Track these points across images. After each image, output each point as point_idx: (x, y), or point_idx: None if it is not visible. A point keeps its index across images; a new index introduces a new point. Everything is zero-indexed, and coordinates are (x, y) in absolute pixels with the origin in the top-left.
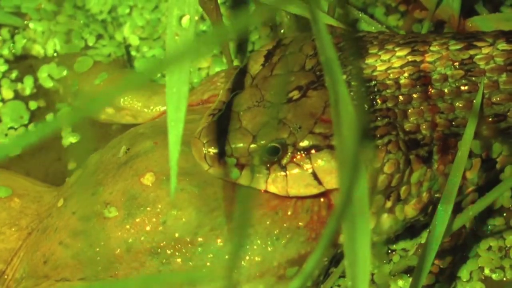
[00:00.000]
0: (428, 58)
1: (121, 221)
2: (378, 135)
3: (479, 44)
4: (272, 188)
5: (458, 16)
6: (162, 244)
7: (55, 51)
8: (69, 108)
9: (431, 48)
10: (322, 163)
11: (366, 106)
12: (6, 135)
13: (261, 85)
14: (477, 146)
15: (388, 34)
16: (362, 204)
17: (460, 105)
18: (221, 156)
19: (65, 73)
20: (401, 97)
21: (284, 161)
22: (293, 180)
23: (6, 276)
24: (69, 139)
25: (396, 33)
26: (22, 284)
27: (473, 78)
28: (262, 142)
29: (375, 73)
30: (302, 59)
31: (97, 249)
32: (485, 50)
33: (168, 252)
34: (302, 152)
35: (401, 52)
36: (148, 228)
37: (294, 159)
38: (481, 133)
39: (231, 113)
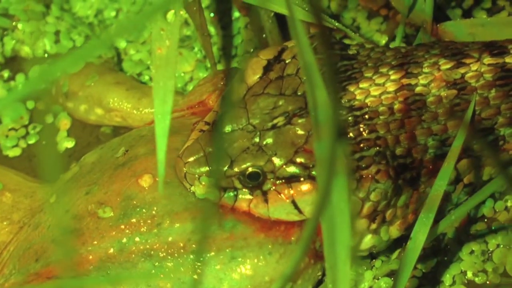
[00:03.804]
0: (422, 80)
1: (115, 221)
2: (364, 165)
3: (467, 61)
4: (254, 212)
5: (431, 21)
6: (155, 247)
7: (44, 51)
8: (62, 110)
9: (424, 70)
10: (303, 193)
11: (352, 135)
12: (6, 136)
13: (249, 105)
14: (465, 165)
15: (379, 50)
16: (341, 206)
17: (453, 124)
18: (200, 176)
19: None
20: (394, 123)
21: (265, 187)
22: (274, 207)
23: None
24: (64, 144)
25: (385, 48)
26: (12, 280)
27: (466, 96)
28: (239, 167)
29: (367, 100)
30: (296, 83)
31: (90, 248)
32: (474, 67)
33: (161, 255)
34: (282, 180)
35: (395, 76)
36: (143, 230)
37: (275, 187)
38: (470, 148)
39: (215, 133)
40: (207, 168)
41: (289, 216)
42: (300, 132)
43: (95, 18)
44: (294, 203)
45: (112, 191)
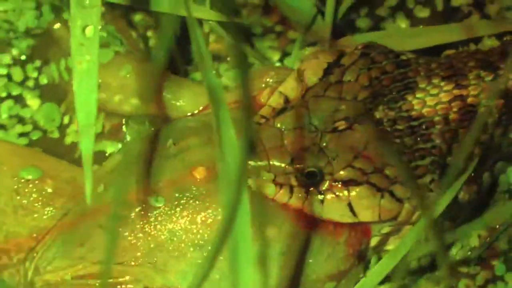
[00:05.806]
0: (473, 91)
1: (168, 211)
2: (418, 174)
3: (500, 72)
4: (307, 210)
5: (329, 39)
6: (207, 238)
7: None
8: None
9: (471, 82)
10: (360, 198)
11: (408, 144)
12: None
13: (311, 105)
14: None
15: (424, 61)
16: (244, 223)
17: (499, 133)
18: (259, 170)
19: None
20: (449, 133)
21: (322, 187)
22: (329, 207)
23: (35, 254)
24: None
25: (428, 58)
26: (55, 263)
27: (510, 105)
28: (298, 165)
29: (424, 110)
30: (356, 89)
31: (139, 235)
32: (511, 75)
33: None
34: (340, 183)
35: (447, 87)
36: (196, 221)
37: (332, 188)
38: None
39: (275, 129)
40: (266, 163)
41: (343, 217)
42: (360, 138)
43: None
44: (350, 205)
45: (164, 181)
